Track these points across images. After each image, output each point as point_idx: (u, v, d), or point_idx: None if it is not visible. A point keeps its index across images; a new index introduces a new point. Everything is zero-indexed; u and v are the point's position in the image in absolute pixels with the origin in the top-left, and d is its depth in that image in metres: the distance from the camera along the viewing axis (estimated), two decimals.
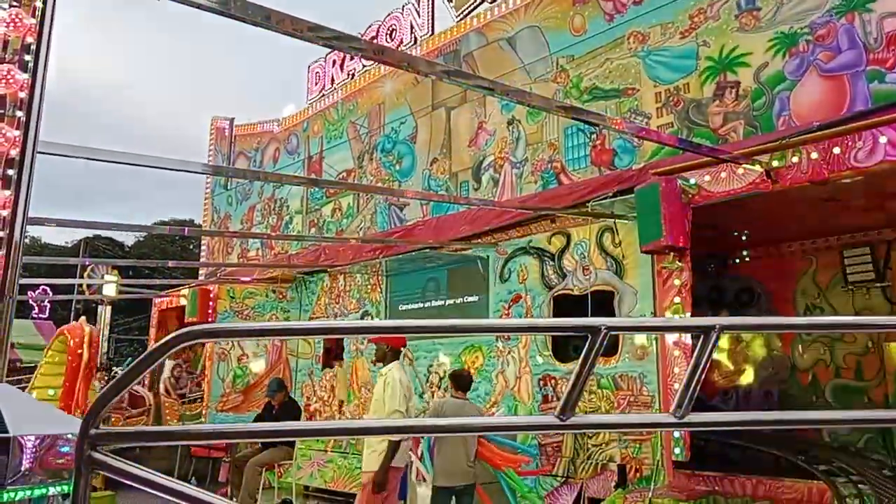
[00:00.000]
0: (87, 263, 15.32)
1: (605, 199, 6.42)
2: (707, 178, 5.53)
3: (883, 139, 4.73)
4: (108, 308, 13.64)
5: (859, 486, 4.56)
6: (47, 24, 2.72)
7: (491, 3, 8.92)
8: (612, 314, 6.68)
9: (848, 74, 5.65)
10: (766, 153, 5.14)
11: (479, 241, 7.96)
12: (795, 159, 5.09)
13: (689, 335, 5.26)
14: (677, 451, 5.41)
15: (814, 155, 5.00)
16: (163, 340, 0.95)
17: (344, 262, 9.59)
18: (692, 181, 5.61)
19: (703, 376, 1.03)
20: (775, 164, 5.14)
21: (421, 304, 9.10)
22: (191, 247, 29.80)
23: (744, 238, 7.72)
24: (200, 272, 13.34)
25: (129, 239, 33.93)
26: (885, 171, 4.78)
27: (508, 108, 8.32)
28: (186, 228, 16.14)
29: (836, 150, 4.91)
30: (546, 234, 7.45)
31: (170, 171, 4.55)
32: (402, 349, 5.97)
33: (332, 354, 10.18)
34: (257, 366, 10.91)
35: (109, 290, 12.98)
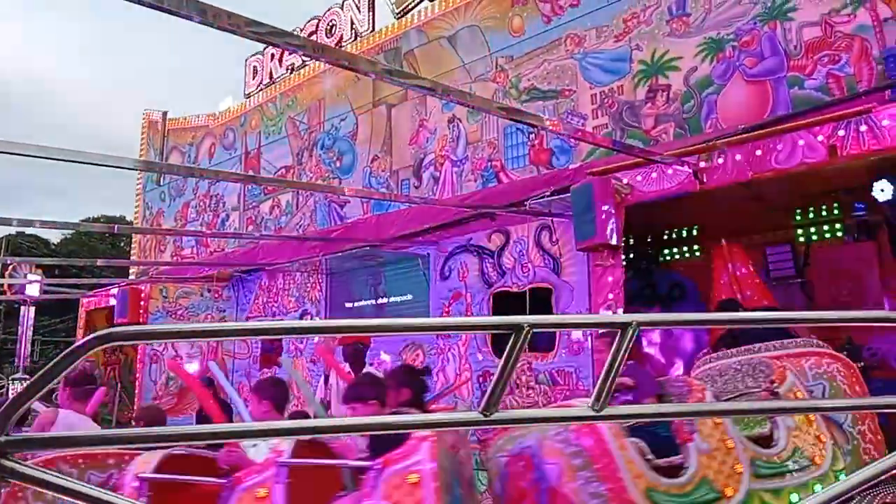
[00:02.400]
0: (8, 262, 14.55)
1: (542, 197, 6.54)
2: (639, 178, 5.71)
3: (801, 142, 5.00)
4: (32, 309, 13.01)
5: None
6: None
7: (431, 1, 8.94)
8: (550, 311, 6.82)
9: (770, 80, 5.92)
10: (694, 154, 5.35)
11: (420, 239, 7.97)
12: (721, 160, 5.32)
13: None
14: None
15: (738, 157, 5.24)
16: (77, 343, 0.92)
17: (283, 261, 9.43)
18: (625, 181, 5.79)
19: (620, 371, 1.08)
20: (703, 164, 5.35)
21: (361, 303, 9.06)
22: (121, 244, 28.69)
23: (674, 236, 8.00)
24: (131, 271, 12.88)
25: (55, 236, 32.40)
26: (802, 172, 5.05)
27: (449, 107, 8.35)
28: (116, 225, 15.53)
29: (759, 153, 5.16)
30: (486, 233, 7.53)
31: (100, 166, 4.39)
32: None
33: (277, 354, 10.00)
34: (192, 367, 10.62)
35: (33, 290, 12.38)
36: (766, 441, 3.61)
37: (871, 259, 7.22)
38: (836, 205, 7.13)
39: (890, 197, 5.28)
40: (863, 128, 4.74)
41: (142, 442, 1.25)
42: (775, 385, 3.97)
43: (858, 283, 7.26)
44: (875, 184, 5.34)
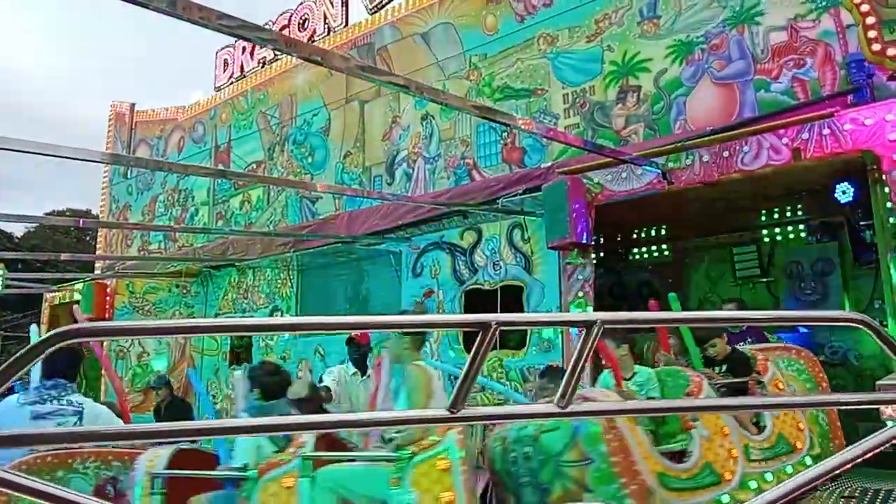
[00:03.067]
0: None
1: (514, 196, 6.57)
2: (609, 177, 5.78)
3: (767, 144, 5.11)
4: None
5: None
6: None
7: None
8: (522, 309, 6.86)
9: (738, 83, 6.04)
10: (663, 155, 5.43)
11: (392, 235, 7.96)
12: (689, 161, 5.41)
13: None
14: None
15: (705, 158, 5.33)
16: (38, 339, 0.91)
17: (253, 256, 9.33)
18: (596, 180, 5.85)
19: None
20: (671, 165, 5.44)
21: (333, 300, 9.01)
22: (87, 238, 28.09)
23: (643, 235, 8.11)
24: (97, 266, 12.62)
25: (18, 230, 31.55)
26: (767, 174, 5.16)
27: (422, 104, 8.35)
28: (82, 219, 15.19)
29: (726, 154, 5.26)
30: (458, 230, 7.55)
31: (65, 159, 4.29)
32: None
33: (247, 351, 9.89)
34: (159, 363, 10.46)
35: None
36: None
37: (833, 259, 7.41)
38: (800, 206, 7.29)
39: (851, 199, 5.43)
40: (826, 131, 4.86)
41: (113, 440, 1.23)
42: (759, 376, 4.23)
43: (821, 283, 7.45)
44: (837, 186, 5.48)
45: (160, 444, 3.64)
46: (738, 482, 3.66)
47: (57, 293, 12.14)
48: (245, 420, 1.63)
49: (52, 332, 0.89)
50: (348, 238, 7.96)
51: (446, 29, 8.27)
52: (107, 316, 10.33)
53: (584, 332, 1.11)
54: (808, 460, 4.00)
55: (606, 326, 1.12)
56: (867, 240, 6.35)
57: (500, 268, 7.13)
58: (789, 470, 3.84)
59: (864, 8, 5.20)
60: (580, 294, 5.88)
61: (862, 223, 6.10)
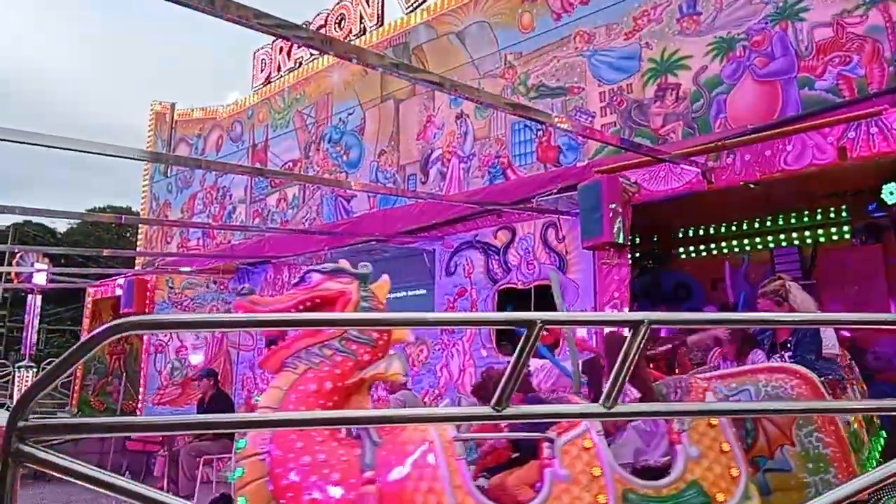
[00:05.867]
0: (15, 251, 14.61)
1: (549, 195, 6.53)
2: (647, 176, 5.70)
3: (811, 143, 4.98)
4: (38, 297, 13.07)
5: None
6: None
7: None
8: (555, 309, 6.81)
9: (781, 80, 5.90)
10: (702, 154, 5.33)
11: (426, 234, 7.98)
12: (730, 160, 5.30)
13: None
14: None
15: (747, 157, 5.22)
16: (94, 332, 0.93)
17: (288, 254, 9.45)
18: (633, 179, 5.77)
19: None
20: (711, 164, 5.34)
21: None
22: (127, 235, 28.78)
23: (681, 235, 7.99)
24: (137, 261, 12.92)
25: (61, 226, 32.51)
26: (811, 173, 5.03)
27: (457, 103, 8.35)
28: (123, 216, 15.56)
29: (768, 153, 5.14)
30: (492, 229, 7.53)
31: (107, 157, 4.41)
32: None
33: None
34: (196, 358, 10.66)
35: (40, 279, 12.43)
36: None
37: (878, 262, 7.19)
38: (843, 207, 7.10)
39: None
40: (873, 130, 4.71)
41: (165, 430, 1.26)
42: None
43: (865, 286, 7.24)
44: (885, 186, 5.32)
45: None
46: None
47: (99, 287, 12.46)
48: (291, 413, 1.65)
49: (112, 324, 0.92)
50: (382, 236, 8.00)
51: (481, 27, 8.25)
52: (147, 311, 10.56)
53: (630, 332, 1.09)
54: None
55: (653, 326, 1.11)
56: None
57: (534, 267, 7.09)
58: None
59: None
60: (616, 294, 5.81)
61: None
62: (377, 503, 2.86)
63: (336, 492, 2.92)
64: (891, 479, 1.30)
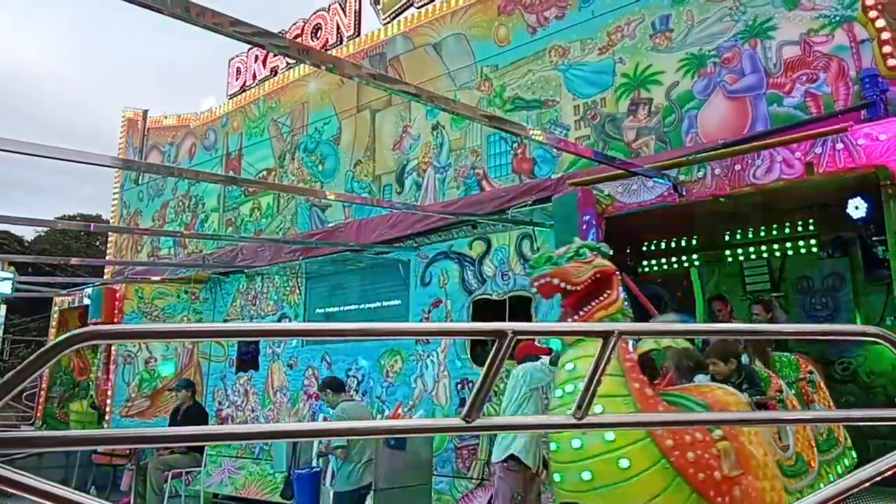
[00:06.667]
0: None
1: (524, 206, 6.57)
2: (620, 189, 5.76)
3: (779, 158, 5.09)
4: (3, 307, 12.75)
5: None
6: None
7: (418, 8, 8.97)
8: (529, 319, 6.84)
9: (750, 97, 6.03)
10: (674, 168, 5.42)
11: (401, 244, 7.97)
12: (701, 174, 5.39)
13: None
14: None
15: (717, 171, 5.31)
16: (53, 341, 0.90)
17: (262, 263, 9.36)
18: (606, 192, 5.83)
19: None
20: (682, 178, 5.42)
21: (340, 308, 9.02)
22: (97, 244, 28.24)
23: (653, 248, 8.08)
24: (106, 270, 12.68)
25: (28, 233, 31.77)
26: (779, 188, 5.14)
27: (433, 114, 8.37)
28: (93, 224, 15.27)
29: (738, 167, 5.23)
30: (467, 240, 7.55)
31: (77, 163, 4.33)
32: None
33: (254, 358, 9.88)
34: (166, 369, 10.48)
35: (5, 288, 12.13)
36: None
37: (844, 275, 7.35)
38: (811, 221, 7.25)
39: (864, 214, 5.39)
40: (839, 146, 4.83)
41: (133, 444, 1.23)
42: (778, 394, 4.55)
43: (832, 299, 7.39)
44: (850, 201, 5.44)
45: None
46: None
47: (66, 297, 12.20)
48: (257, 426, 1.63)
49: (69, 334, 0.89)
50: (357, 246, 7.97)
51: (458, 40, 8.31)
52: (116, 321, 10.36)
53: (601, 343, 1.10)
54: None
55: (624, 336, 1.11)
56: (879, 256, 6.31)
57: (509, 278, 7.11)
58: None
59: (880, 23, 5.19)
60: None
61: (874, 239, 6.06)
62: None
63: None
64: (861, 487, 1.32)
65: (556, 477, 3.07)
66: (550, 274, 3.37)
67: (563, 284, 3.38)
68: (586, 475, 2.90)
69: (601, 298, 3.38)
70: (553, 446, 3.08)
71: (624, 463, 2.84)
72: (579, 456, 2.91)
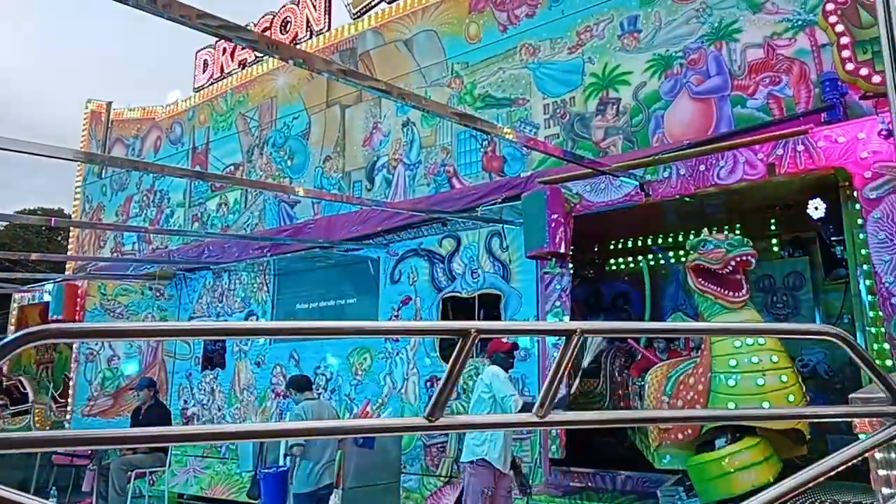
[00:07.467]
0: None
1: (494, 204, 6.59)
2: (588, 188, 5.82)
3: (742, 159, 5.20)
4: None
5: None
6: None
7: (389, 3, 8.93)
8: (499, 317, 6.87)
9: (715, 98, 6.14)
10: (641, 167, 5.49)
11: (371, 241, 7.93)
12: (667, 174, 5.47)
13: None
14: (553, 448, 5.64)
15: (682, 171, 5.40)
16: (8, 338, 0.88)
17: (229, 260, 9.23)
18: (574, 191, 5.89)
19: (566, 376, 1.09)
20: (649, 177, 5.50)
21: (309, 305, 8.94)
22: (58, 239, 27.54)
23: (620, 246, 8.18)
24: (68, 266, 12.38)
25: None
26: (742, 188, 5.25)
27: (404, 110, 8.35)
28: (54, 218, 14.89)
29: (702, 168, 5.33)
30: (437, 237, 7.55)
31: (38, 156, 4.21)
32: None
33: (220, 356, 9.75)
34: (130, 367, 10.28)
35: None
36: None
37: (804, 274, 7.53)
38: (773, 220, 7.41)
39: (823, 214, 5.54)
40: (800, 148, 4.95)
41: (95, 444, 1.20)
42: None
43: (792, 297, 7.56)
44: (810, 201, 5.58)
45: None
46: None
47: (26, 293, 11.89)
48: (224, 426, 1.60)
49: (23, 332, 0.87)
50: (326, 243, 7.91)
51: (429, 36, 8.30)
52: (77, 318, 10.13)
53: (563, 341, 1.11)
54: None
55: (586, 335, 1.13)
56: (838, 255, 6.48)
57: (479, 276, 7.14)
58: None
59: (839, 28, 5.32)
60: (557, 303, 5.91)
61: (833, 238, 6.22)
62: None
63: None
64: (817, 481, 1.36)
65: (731, 382, 4.30)
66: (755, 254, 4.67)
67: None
68: (760, 381, 4.34)
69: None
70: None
71: (784, 378, 4.45)
72: (755, 368, 4.28)
